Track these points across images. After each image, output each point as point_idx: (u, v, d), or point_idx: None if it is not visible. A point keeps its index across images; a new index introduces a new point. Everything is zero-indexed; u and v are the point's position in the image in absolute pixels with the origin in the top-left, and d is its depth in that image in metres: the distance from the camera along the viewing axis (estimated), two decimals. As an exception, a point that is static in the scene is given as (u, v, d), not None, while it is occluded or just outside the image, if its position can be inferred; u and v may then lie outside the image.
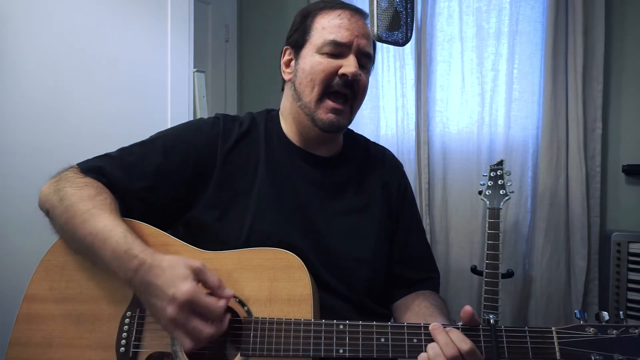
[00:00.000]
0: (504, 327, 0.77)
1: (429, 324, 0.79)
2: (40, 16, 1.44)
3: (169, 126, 1.07)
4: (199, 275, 0.77)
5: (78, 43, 1.53)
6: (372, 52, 1.03)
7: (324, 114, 0.97)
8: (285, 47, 1.06)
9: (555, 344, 0.76)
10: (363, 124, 2.37)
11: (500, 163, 1.77)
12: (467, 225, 2.17)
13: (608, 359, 0.74)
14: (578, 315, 0.79)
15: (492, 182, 1.75)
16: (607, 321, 0.77)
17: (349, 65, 0.96)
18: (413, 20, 1.14)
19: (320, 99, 0.97)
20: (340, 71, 0.96)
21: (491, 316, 0.78)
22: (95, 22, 1.58)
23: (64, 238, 0.90)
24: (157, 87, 1.79)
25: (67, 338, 0.84)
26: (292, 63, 1.03)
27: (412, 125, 2.25)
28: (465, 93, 2.17)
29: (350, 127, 1.08)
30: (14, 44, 1.38)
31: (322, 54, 0.97)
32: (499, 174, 1.74)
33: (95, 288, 0.86)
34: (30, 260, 0.90)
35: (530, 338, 0.76)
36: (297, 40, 1.02)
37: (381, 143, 1.15)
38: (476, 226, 2.15)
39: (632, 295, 1.75)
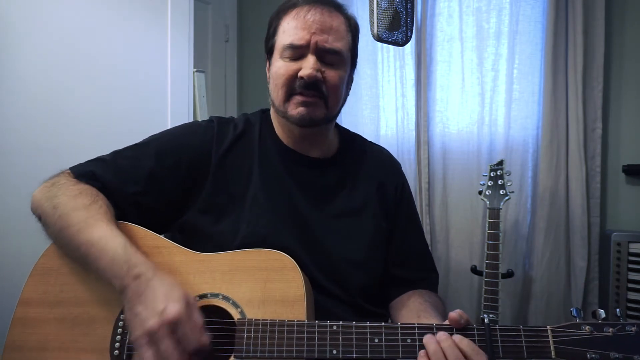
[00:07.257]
0: (499, 326, 0.77)
1: (423, 324, 0.78)
2: (40, 16, 1.44)
3: (169, 126, 1.07)
4: (187, 307, 0.76)
5: (78, 43, 1.53)
6: (339, 45, 0.96)
7: (294, 109, 0.95)
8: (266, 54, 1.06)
9: (551, 342, 0.75)
10: (363, 124, 2.36)
11: (500, 163, 1.77)
12: (467, 225, 2.17)
13: (604, 357, 0.73)
14: (574, 314, 0.78)
15: (492, 182, 1.75)
16: (603, 319, 0.76)
17: (305, 67, 0.93)
18: (413, 20, 1.13)
19: (287, 99, 0.96)
20: (299, 74, 0.93)
21: (485, 316, 0.78)
22: (95, 22, 1.58)
23: (57, 245, 0.89)
24: (157, 87, 1.79)
25: (61, 342, 0.83)
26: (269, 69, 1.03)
27: (412, 125, 2.25)
28: (465, 93, 2.17)
29: (349, 126, 1.07)
30: (14, 44, 1.38)
31: (284, 58, 0.95)
32: (499, 174, 1.74)
33: (89, 291, 0.85)
34: (29, 260, 0.90)
35: (525, 337, 0.76)
36: (268, 47, 1.02)
37: (381, 143, 1.14)
38: (476, 226, 2.15)
39: (632, 295, 1.75)
